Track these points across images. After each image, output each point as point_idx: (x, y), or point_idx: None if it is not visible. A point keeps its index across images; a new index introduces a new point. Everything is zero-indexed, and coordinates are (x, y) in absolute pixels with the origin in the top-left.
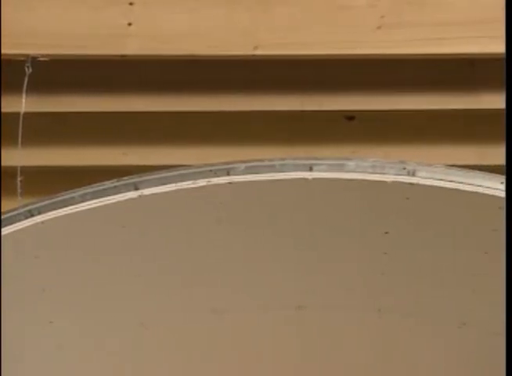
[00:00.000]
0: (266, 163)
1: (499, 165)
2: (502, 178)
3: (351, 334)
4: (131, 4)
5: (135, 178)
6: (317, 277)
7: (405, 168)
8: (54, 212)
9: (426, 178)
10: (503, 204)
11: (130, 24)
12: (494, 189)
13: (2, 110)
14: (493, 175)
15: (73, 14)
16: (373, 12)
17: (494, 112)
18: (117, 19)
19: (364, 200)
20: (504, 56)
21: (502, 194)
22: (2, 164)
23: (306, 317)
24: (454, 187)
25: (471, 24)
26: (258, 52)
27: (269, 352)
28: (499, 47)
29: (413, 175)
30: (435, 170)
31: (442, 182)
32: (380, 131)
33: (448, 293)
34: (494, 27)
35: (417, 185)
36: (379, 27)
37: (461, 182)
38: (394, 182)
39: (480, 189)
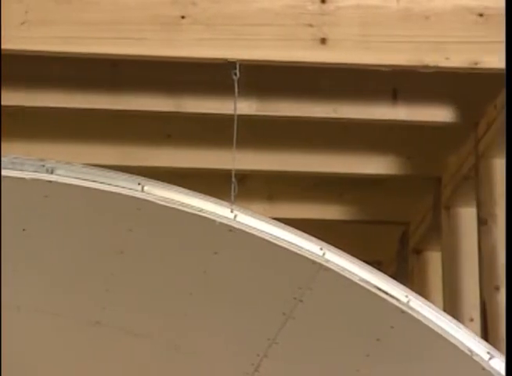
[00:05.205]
0: None
1: (139, 166)
2: (140, 180)
3: None
4: None
5: None
6: None
7: (44, 166)
8: None
9: (65, 176)
10: (141, 205)
11: None
12: (131, 189)
13: None
14: (132, 175)
15: None
16: (18, 7)
17: (138, 113)
18: None
19: (2, 197)
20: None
21: (140, 195)
22: None
23: None
24: (94, 186)
25: (115, 25)
26: None
27: None
28: (142, 49)
29: (52, 172)
30: (74, 168)
31: (81, 180)
32: (23, 128)
33: (85, 292)
34: (137, 28)
35: (56, 183)
36: (23, 23)
37: (100, 182)
38: (33, 180)
39: (118, 190)
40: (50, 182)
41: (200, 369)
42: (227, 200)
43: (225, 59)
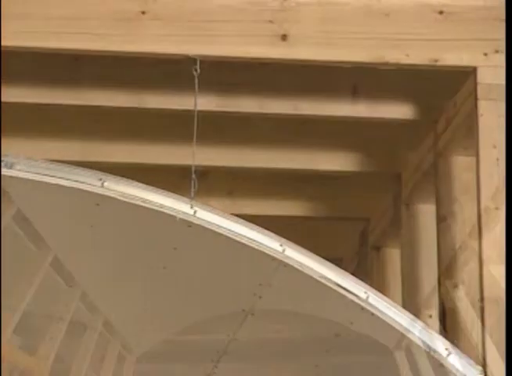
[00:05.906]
0: None
1: (100, 162)
2: (100, 175)
3: None
4: None
5: None
6: None
7: (3, 161)
8: None
9: (25, 171)
10: (100, 200)
11: None
12: (91, 185)
13: None
14: (92, 171)
15: None
16: None
17: (99, 109)
18: None
19: None
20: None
21: (99, 190)
22: None
23: None
24: (54, 182)
25: (75, 20)
26: None
27: None
28: (102, 44)
29: (11, 167)
30: (34, 164)
31: (41, 176)
32: None
33: (44, 287)
34: (97, 24)
35: (16, 178)
36: None
37: (60, 177)
38: None
39: (78, 185)
40: (10, 177)
41: (159, 365)
42: (187, 196)
43: (186, 55)
